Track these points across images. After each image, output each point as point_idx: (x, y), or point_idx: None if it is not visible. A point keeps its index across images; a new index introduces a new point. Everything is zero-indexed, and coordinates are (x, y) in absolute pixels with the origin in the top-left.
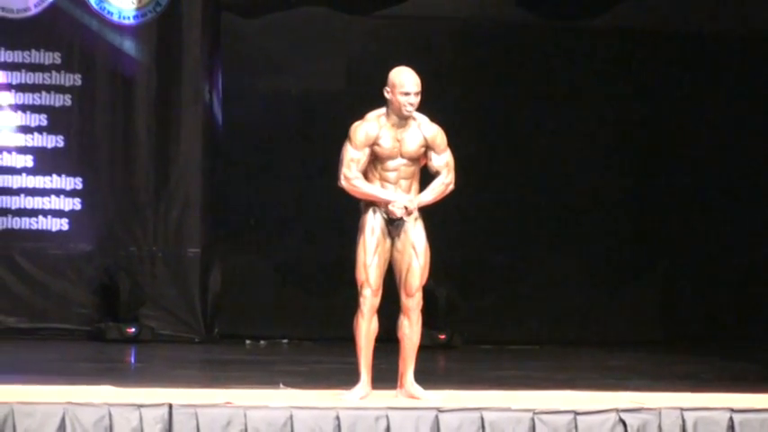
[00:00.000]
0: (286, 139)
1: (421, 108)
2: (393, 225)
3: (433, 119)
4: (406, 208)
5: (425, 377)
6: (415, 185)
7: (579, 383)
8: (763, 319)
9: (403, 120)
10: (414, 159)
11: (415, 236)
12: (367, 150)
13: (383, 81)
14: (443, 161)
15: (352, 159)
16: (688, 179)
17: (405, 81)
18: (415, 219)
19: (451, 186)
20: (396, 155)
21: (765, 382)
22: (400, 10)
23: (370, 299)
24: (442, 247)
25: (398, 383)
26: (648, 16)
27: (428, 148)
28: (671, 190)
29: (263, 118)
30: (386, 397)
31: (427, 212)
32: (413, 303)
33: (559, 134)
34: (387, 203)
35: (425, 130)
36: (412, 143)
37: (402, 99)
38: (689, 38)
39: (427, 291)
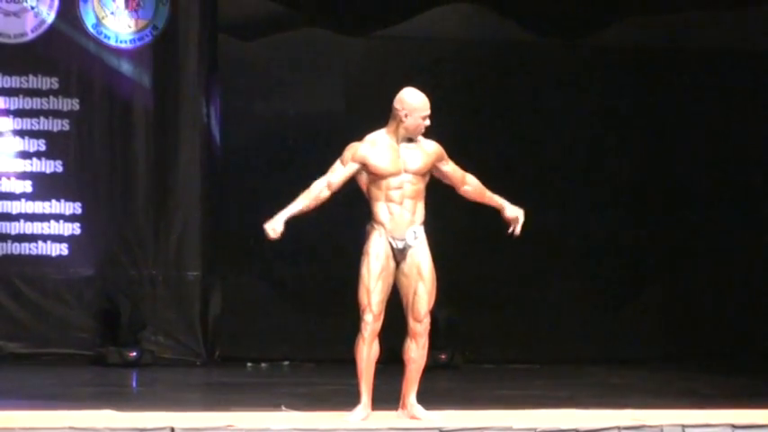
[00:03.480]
0: (285, 161)
1: None
2: (398, 249)
3: (432, 138)
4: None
5: (427, 397)
6: (420, 206)
7: (581, 401)
8: (763, 336)
9: (411, 139)
10: (419, 175)
11: (421, 259)
12: (352, 167)
13: (382, 102)
14: (452, 166)
15: (333, 170)
16: (688, 196)
17: (424, 105)
18: (418, 240)
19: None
20: (399, 171)
21: (766, 398)
22: (398, 31)
23: (371, 324)
24: (442, 266)
25: (400, 404)
26: (644, 33)
27: (435, 161)
28: (671, 207)
29: (261, 140)
30: (388, 418)
31: (427, 231)
32: (421, 328)
33: (558, 152)
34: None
35: (426, 146)
36: (416, 159)
37: (421, 122)
38: (686, 54)
39: None
